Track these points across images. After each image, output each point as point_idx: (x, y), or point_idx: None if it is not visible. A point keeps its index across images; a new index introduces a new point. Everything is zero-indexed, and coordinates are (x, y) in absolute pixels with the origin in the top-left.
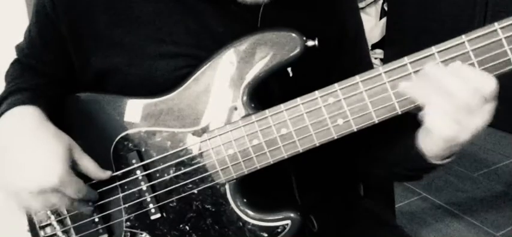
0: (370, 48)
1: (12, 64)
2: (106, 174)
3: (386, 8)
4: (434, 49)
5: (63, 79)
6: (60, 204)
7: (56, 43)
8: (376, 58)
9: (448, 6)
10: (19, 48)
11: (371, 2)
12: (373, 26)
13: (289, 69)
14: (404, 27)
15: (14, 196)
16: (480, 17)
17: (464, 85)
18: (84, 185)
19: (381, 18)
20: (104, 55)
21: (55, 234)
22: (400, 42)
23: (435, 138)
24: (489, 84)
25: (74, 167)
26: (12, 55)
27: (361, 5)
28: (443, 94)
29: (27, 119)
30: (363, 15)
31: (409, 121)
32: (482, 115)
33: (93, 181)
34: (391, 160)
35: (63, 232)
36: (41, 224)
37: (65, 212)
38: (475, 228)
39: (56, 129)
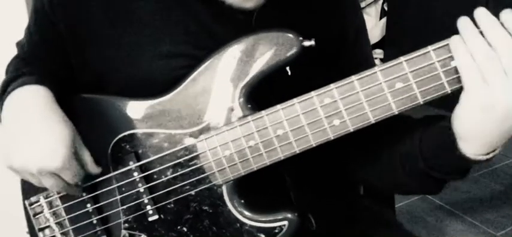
0: None
1: (14, 59)
2: (98, 169)
3: (386, 8)
4: (430, 48)
5: (63, 77)
6: (53, 188)
7: (56, 42)
8: (376, 58)
9: (448, 6)
10: (20, 46)
11: (371, 2)
12: (373, 26)
13: (287, 68)
14: (404, 27)
15: (12, 169)
16: None
17: (501, 37)
18: (82, 170)
19: (380, 18)
20: (103, 54)
21: (54, 236)
22: (400, 42)
23: (467, 106)
24: (499, 39)
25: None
26: (13, 53)
27: (361, 5)
28: (476, 46)
29: (38, 99)
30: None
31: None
32: (506, 91)
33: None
34: (417, 154)
35: (62, 234)
36: (40, 226)
37: (63, 215)
38: (475, 228)
39: (64, 114)
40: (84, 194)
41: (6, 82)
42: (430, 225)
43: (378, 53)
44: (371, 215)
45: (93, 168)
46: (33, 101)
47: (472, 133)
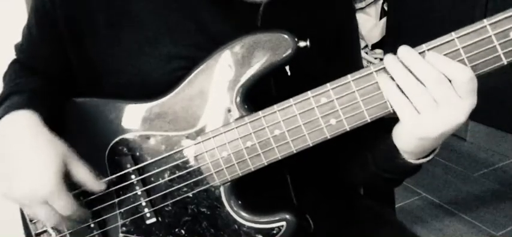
0: (370, 48)
1: (11, 64)
2: (100, 186)
3: (386, 8)
4: (424, 46)
5: (61, 77)
6: (47, 219)
7: (55, 41)
8: (376, 58)
9: (448, 7)
10: (18, 47)
11: (371, 2)
12: (373, 26)
13: (287, 68)
14: (404, 27)
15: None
16: (480, 18)
17: (427, 71)
18: (74, 203)
19: (380, 18)
20: (101, 54)
21: None
22: (400, 42)
23: (404, 133)
24: (460, 75)
25: (69, 177)
26: (12, 55)
27: (361, 5)
28: (405, 82)
29: (23, 126)
30: (363, 15)
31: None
32: (453, 109)
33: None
34: (370, 159)
35: None
36: (37, 231)
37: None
38: (475, 228)
39: (52, 137)
40: (81, 198)
41: None
42: (430, 225)
43: (378, 53)
44: (372, 215)
45: (94, 186)
46: (18, 130)
47: (412, 150)
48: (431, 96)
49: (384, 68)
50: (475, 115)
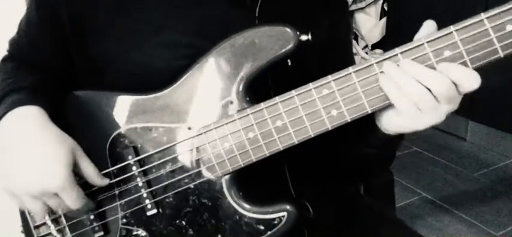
0: (370, 48)
1: (4, 61)
2: (104, 182)
3: (386, 8)
4: (423, 39)
5: (60, 70)
6: (57, 208)
7: (56, 30)
8: None
9: (448, 7)
10: (13, 42)
11: (371, 2)
12: (373, 26)
13: (288, 60)
14: (404, 27)
15: (14, 196)
16: None
17: (414, 86)
18: (84, 196)
19: (380, 18)
20: (103, 42)
21: (49, 234)
22: (400, 42)
23: (400, 126)
24: (438, 85)
25: (75, 170)
26: None
27: (361, 5)
28: (411, 88)
29: (31, 121)
30: (363, 15)
31: None
32: (435, 115)
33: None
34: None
35: (58, 231)
36: (36, 224)
37: (60, 211)
38: (475, 227)
39: (59, 131)
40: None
41: None
42: (430, 225)
43: (378, 53)
44: (372, 214)
45: (97, 180)
46: (26, 125)
47: (394, 132)
48: (436, 99)
49: (385, 67)
50: (475, 115)
